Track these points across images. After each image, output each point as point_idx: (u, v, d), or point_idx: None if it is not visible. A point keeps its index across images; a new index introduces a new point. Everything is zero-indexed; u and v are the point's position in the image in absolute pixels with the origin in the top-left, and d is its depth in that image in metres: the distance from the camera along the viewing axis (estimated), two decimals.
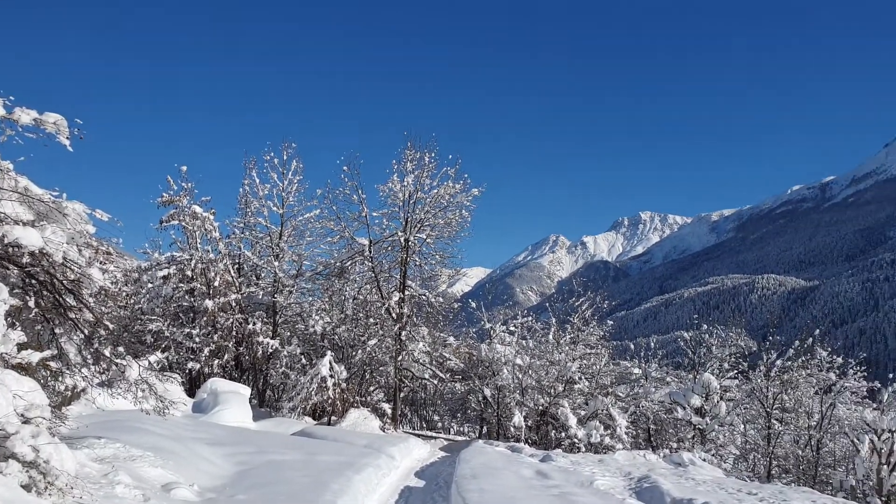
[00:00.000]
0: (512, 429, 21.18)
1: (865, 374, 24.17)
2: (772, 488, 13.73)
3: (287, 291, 24.85)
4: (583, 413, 21.36)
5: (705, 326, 26.39)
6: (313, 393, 20.28)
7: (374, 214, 23.77)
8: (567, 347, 24.02)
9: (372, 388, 25.28)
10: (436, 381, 24.70)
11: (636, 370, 26.03)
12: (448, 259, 24.58)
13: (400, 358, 22.90)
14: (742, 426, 24.52)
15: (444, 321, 26.35)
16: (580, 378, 22.47)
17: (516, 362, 22.95)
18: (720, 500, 10.34)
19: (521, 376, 22.53)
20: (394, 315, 23.18)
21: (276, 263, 24.52)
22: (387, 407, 22.81)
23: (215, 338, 23.26)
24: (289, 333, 25.08)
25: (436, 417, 31.43)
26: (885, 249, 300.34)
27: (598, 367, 23.58)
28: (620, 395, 23.58)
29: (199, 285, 23.81)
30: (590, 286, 27.98)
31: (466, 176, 23.62)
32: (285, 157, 24.93)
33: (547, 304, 29.29)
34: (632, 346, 29.20)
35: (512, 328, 26.78)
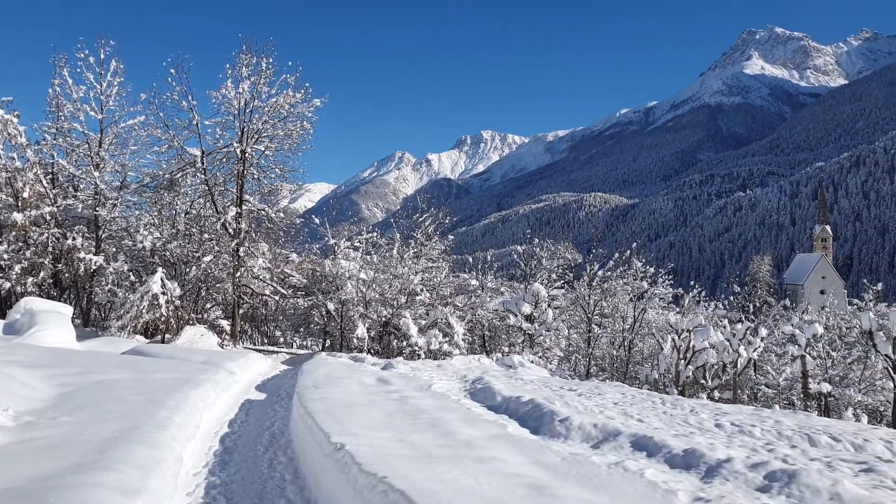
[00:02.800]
0: (355, 340, 21.58)
1: (672, 282, 27.18)
2: (589, 384, 15.27)
3: (111, 204, 22.79)
4: (423, 323, 22.18)
5: (537, 241, 28.08)
6: (144, 311, 19.16)
7: (207, 123, 22.17)
8: (410, 262, 24.54)
9: (209, 306, 24.36)
10: (277, 298, 24.30)
11: (474, 281, 27.30)
12: (289, 173, 23.72)
13: (238, 274, 22.14)
14: (566, 331, 26.76)
15: (286, 237, 25.71)
16: (422, 290, 23.18)
17: (360, 277, 23.13)
18: (545, 397, 11.30)
19: (364, 290, 22.79)
20: (231, 231, 22.18)
21: (97, 174, 22.28)
22: (225, 324, 22.15)
23: (28, 254, 21.02)
24: (115, 249, 23.22)
25: (278, 333, 31.15)
26: (695, 171, 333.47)
27: (439, 279, 24.42)
28: (459, 304, 24.71)
29: (4, 196, 21.17)
30: (433, 203, 28.50)
31: (308, 85, 22.58)
32: (102, 57, 22.27)
33: (392, 221, 29.51)
34: (471, 260, 30.56)
35: (357, 244, 26.80)
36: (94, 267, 21.57)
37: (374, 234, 28.16)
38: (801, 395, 20.47)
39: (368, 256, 25.64)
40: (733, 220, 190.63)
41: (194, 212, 23.31)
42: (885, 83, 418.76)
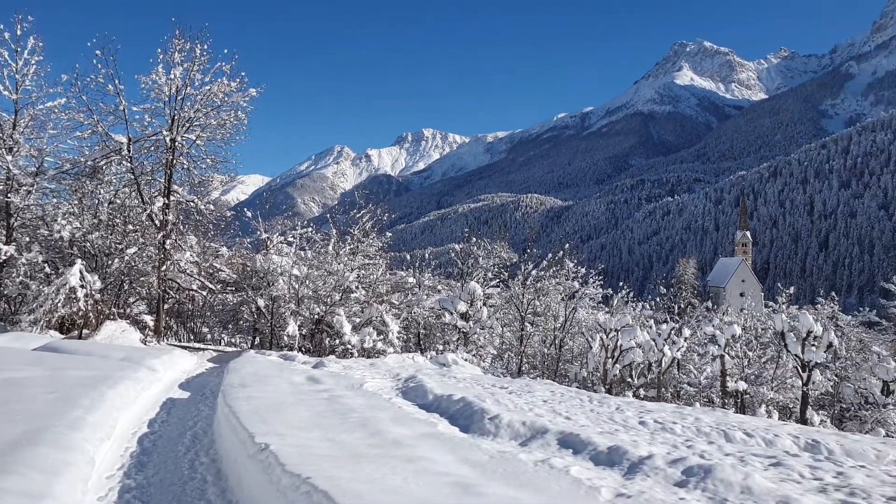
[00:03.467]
0: (286, 338, 21.15)
1: (602, 282, 27.84)
2: (520, 382, 15.47)
3: (25, 191, 21.51)
4: (358, 321, 21.96)
5: (474, 239, 28.27)
6: (60, 304, 18.19)
7: (135, 109, 21.21)
8: (346, 258, 24.23)
9: (132, 300, 23.37)
10: (205, 293, 23.54)
11: (411, 279, 27.23)
12: (221, 164, 22.96)
13: (164, 268, 21.31)
14: (500, 329, 27.04)
15: (216, 230, 24.94)
16: (357, 287, 22.94)
17: (293, 273, 22.68)
18: (476, 395, 11.36)
19: (297, 286, 22.36)
20: (157, 222, 21.33)
21: (10, 158, 20.98)
22: (149, 319, 21.29)
23: None
24: (28, 239, 21.93)
25: (205, 329, 30.19)
26: (627, 175, 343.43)
27: (375, 276, 24.22)
28: (395, 302, 24.59)
29: None
30: (372, 199, 28.25)
31: (244, 74, 21.94)
32: (19, 33, 21.00)
33: (328, 216, 29.13)
34: (408, 257, 30.44)
35: (290, 239, 26.27)
36: (4, 257, 20.33)
37: (310, 228, 27.67)
38: (720, 393, 21.34)
39: (302, 252, 25.18)
40: (662, 223, 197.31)
41: (118, 201, 22.29)
42: (799, 99, 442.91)
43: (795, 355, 17.84)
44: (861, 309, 32.19)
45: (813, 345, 17.67)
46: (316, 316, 22.07)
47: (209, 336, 30.70)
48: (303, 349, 21.75)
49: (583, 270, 26.67)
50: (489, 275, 26.85)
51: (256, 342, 25.94)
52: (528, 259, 27.07)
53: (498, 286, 27.48)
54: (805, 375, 17.98)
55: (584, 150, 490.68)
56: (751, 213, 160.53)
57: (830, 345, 17.92)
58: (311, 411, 8.61)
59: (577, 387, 20.84)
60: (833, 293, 33.51)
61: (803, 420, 18.24)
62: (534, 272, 26.56)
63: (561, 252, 26.49)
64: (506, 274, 27.71)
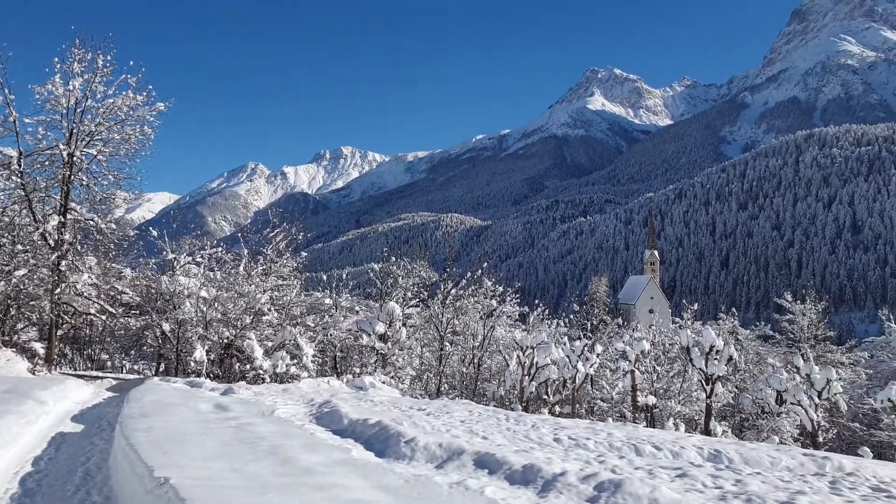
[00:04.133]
0: (193, 364, 20.19)
1: (519, 300, 28.29)
2: (438, 403, 15.37)
3: None
4: (270, 344, 21.28)
5: (394, 259, 28.09)
6: None
7: (28, 121, 19.90)
8: (258, 279, 23.49)
9: (20, 326, 21.73)
10: (105, 317, 22.19)
11: (327, 300, 26.71)
12: (125, 180, 21.81)
13: (58, 291, 19.94)
14: (420, 349, 26.90)
15: (118, 251, 23.63)
16: (270, 309, 22.25)
17: (201, 295, 21.76)
18: (393, 418, 11.16)
19: (205, 309, 21.45)
20: (51, 242, 19.97)
21: None
22: (39, 347, 19.84)
23: None
24: None
25: (105, 356, 28.44)
26: (542, 196, 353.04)
27: (289, 298, 23.59)
28: (310, 324, 24.02)
29: None
30: (287, 217, 27.62)
31: (151, 87, 21.01)
32: None
33: (240, 235, 28.22)
34: (325, 278, 29.83)
35: (199, 259, 25.25)
36: None
37: (220, 248, 26.68)
38: (632, 408, 21.99)
39: (212, 273, 24.21)
40: (575, 243, 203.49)
41: (6, 219, 20.75)
42: (701, 126, 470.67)
43: (700, 369, 18.62)
44: (758, 323, 34.13)
45: (715, 359, 18.50)
46: (225, 340, 21.23)
47: (109, 363, 28.96)
48: (211, 375, 20.82)
49: (500, 289, 26.99)
50: (409, 294, 26.69)
51: (161, 369, 24.66)
52: (448, 278, 27.14)
53: (417, 306, 27.37)
54: (709, 388, 18.78)
55: (502, 171, 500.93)
56: (658, 232, 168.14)
57: (731, 358, 18.80)
58: (218, 441, 8.17)
59: (495, 405, 20.94)
60: (733, 309, 35.40)
61: (707, 431, 19.02)
62: (453, 291, 26.64)
63: (479, 271, 26.73)
64: (425, 293, 27.65)
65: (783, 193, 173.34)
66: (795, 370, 19.79)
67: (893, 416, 15.52)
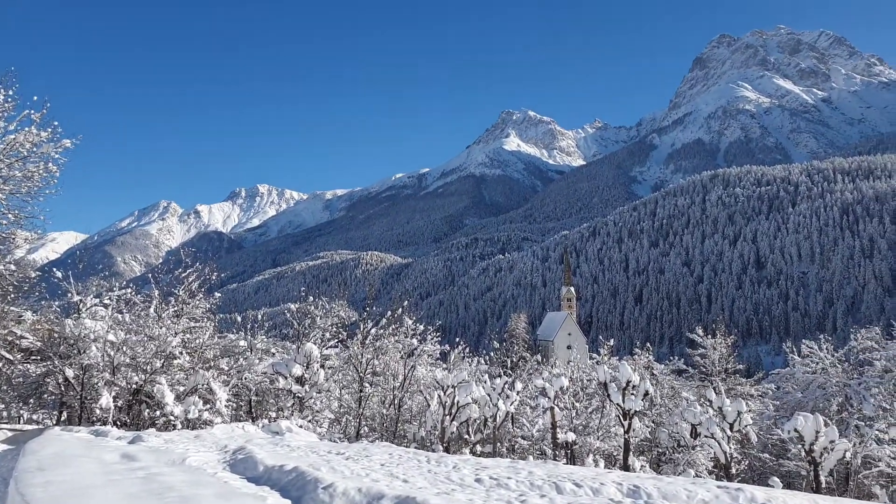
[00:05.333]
0: (98, 411, 18.98)
1: (440, 338, 28.27)
2: (358, 446, 15.09)
3: None
4: (182, 389, 20.33)
5: (311, 298, 27.58)
6: None
7: None
8: (170, 321, 22.52)
9: None
10: (0, 364, 20.64)
11: (242, 342, 25.88)
12: (27, 220, 20.51)
13: None
14: (338, 391, 26.36)
15: (18, 293, 22.14)
16: (181, 353, 21.33)
17: (108, 338, 20.61)
18: (310, 463, 10.88)
19: (113, 353, 20.32)
20: None
21: None
22: None
23: None
24: None
25: (0, 406, 26.33)
26: (462, 234, 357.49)
27: (202, 340, 22.71)
28: (223, 368, 23.15)
29: None
30: (200, 257, 26.74)
31: (56, 124, 20.03)
32: None
33: (151, 276, 27.08)
34: (240, 319, 28.93)
35: (107, 301, 23.97)
36: None
37: (129, 289, 25.46)
38: (552, 445, 22.27)
39: (120, 316, 23.02)
40: (494, 280, 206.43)
41: None
42: (613, 166, 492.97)
43: (617, 404, 19.14)
44: (672, 358, 35.45)
45: (632, 394, 19.09)
46: (134, 386, 20.14)
47: (5, 413, 26.81)
48: (118, 423, 19.64)
49: (421, 327, 26.93)
50: (327, 335, 26.22)
51: (63, 418, 23.04)
52: (368, 317, 26.85)
53: (336, 346, 26.88)
54: (626, 423, 19.31)
55: (421, 210, 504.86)
56: (574, 269, 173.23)
57: (647, 393, 19.45)
58: (123, 493, 7.71)
59: (416, 447, 20.73)
60: (648, 344, 36.67)
61: (626, 466, 19.49)
62: (373, 331, 26.36)
63: (400, 309, 26.60)
64: (344, 333, 27.22)
65: (692, 231, 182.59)
66: (708, 403, 20.67)
67: (800, 445, 16.42)
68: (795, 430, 15.90)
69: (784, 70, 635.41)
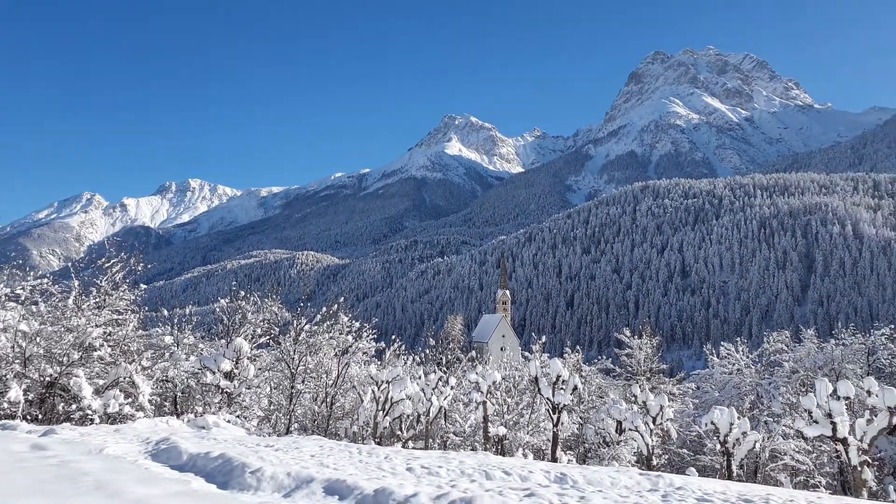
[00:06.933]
0: (6, 405, 17.89)
1: (376, 338, 28.07)
2: (287, 439, 14.78)
3: None
4: (102, 382, 19.41)
5: (242, 293, 26.83)
6: None
7: None
8: (91, 312, 21.46)
9: None
10: None
11: (168, 337, 24.95)
12: None
13: None
14: (269, 388, 25.78)
15: None
16: (102, 345, 20.35)
17: (20, 328, 19.46)
18: (239, 452, 10.58)
19: (24, 344, 19.20)
20: None
21: None
22: None
23: None
24: None
25: None
26: (401, 236, 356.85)
27: (125, 332, 21.74)
28: (147, 362, 22.24)
29: None
30: (126, 248, 25.61)
31: None
32: None
33: (71, 266, 25.80)
34: (166, 313, 27.83)
35: (19, 291, 22.63)
36: None
37: (45, 279, 24.12)
38: (483, 440, 22.42)
39: (35, 306, 21.77)
40: (433, 283, 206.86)
41: None
42: (549, 174, 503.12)
43: (547, 398, 19.45)
44: (600, 357, 36.39)
45: (561, 388, 19.45)
46: (48, 378, 19.07)
47: None
48: (29, 417, 18.58)
49: (357, 324, 26.63)
50: (258, 331, 25.58)
51: None
52: (301, 314, 26.35)
53: (268, 344, 26.26)
54: (555, 417, 19.64)
55: (361, 210, 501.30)
56: (510, 273, 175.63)
57: (575, 388, 19.86)
58: (33, 479, 7.27)
59: (348, 442, 20.48)
60: (578, 346, 37.52)
61: (554, 459, 19.82)
62: (307, 327, 25.90)
63: (336, 306, 26.24)
64: (276, 330, 26.62)
65: (622, 239, 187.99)
66: (634, 398, 21.29)
67: (715, 437, 17.13)
68: (712, 423, 16.57)
69: (712, 89, 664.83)
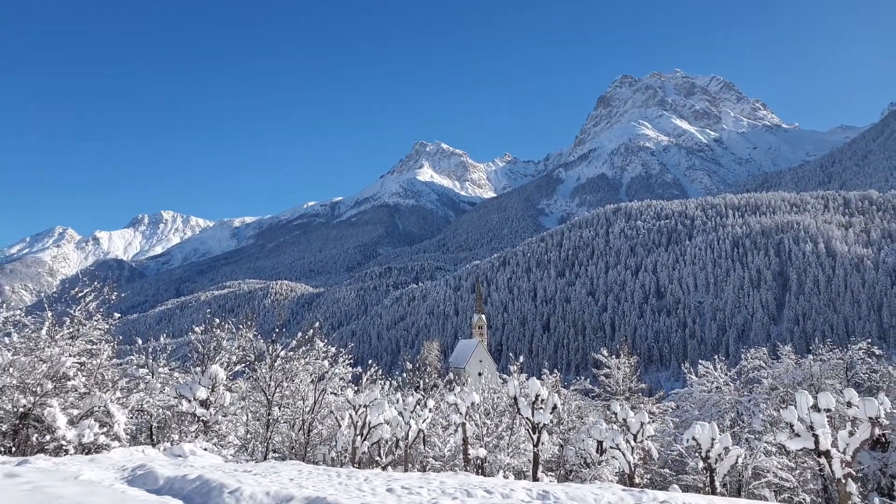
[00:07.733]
0: None
1: (352, 363, 27.97)
2: (265, 465, 14.67)
3: None
4: (76, 412, 19.06)
5: (217, 321, 26.60)
6: None
7: None
8: (64, 342, 21.12)
9: None
10: None
11: (143, 368, 24.59)
12: None
13: None
14: (245, 416, 25.47)
15: None
16: (76, 374, 20.02)
17: None
18: (217, 477, 10.51)
19: None
20: None
21: None
22: None
23: None
24: None
25: None
26: (375, 263, 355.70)
27: (99, 362, 21.41)
28: (122, 391, 21.90)
29: None
30: (98, 280, 25.32)
31: None
32: None
33: (44, 297, 25.41)
34: (140, 342, 27.49)
35: None
36: None
37: (18, 311, 23.71)
38: (463, 462, 22.37)
39: (7, 339, 21.37)
40: (408, 309, 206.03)
41: None
42: (521, 199, 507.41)
43: (527, 418, 19.53)
44: (578, 378, 36.54)
45: (540, 407, 19.55)
46: (21, 409, 18.69)
47: None
48: (2, 449, 18.16)
49: (333, 350, 26.51)
50: (234, 358, 25.34)
51: None
52: (276, 341, 26.18)
53: (244, 372, 26.00)
54: (535, 437, 19.71)
55: (334, 238, 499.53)
56: (485, 298, 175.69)
57: (555, 406, 19.98)
58: (7, 502, 7.19)
59: (327, 467, 20.27)
60: (556, 370, 37.68)
61: (535, 478, 19.85)
62: (283, 353, 25.72)
63: (311, 331, 26.12)
64: (252, 357, 26.39)
65: (596, 262, 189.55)
66: (614, 415, 21.44)
67: (697, 454, 17.25)
68: (693, 439, 16.73)
69: (680, 111, 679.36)
